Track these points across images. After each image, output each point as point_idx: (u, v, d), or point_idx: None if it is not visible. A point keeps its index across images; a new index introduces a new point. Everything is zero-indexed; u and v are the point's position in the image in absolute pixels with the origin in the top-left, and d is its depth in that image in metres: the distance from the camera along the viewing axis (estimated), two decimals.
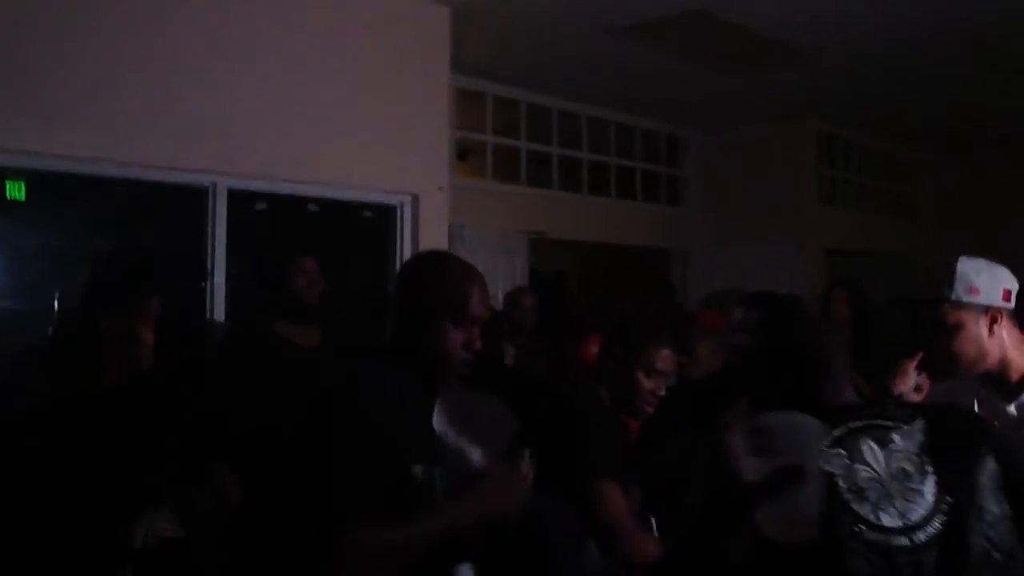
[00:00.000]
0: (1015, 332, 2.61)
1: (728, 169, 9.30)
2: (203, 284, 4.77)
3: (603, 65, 7.04)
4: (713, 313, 5.41)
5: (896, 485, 1.96)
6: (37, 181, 4.32)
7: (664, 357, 3.16)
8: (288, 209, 5.09)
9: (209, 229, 4.76)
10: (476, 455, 2.31)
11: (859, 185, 9.96)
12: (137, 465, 2.67)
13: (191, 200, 4.76)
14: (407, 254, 5.51)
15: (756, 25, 6.06)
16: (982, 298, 2.53)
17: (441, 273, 2.30)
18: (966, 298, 2.56)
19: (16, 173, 4.25)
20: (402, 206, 5.53)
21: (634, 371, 3.13)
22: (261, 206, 4.97)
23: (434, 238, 5.56)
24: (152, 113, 4.44)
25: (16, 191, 4.28)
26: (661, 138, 9.38)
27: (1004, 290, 2.57)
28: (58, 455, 2.55)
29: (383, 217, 5.52)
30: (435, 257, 2.45)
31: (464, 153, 7.74)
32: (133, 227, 4.73)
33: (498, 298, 6.04)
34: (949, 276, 2.57)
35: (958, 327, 2.58)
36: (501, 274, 7.07)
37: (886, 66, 7.00)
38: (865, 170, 10.03)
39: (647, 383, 3.13)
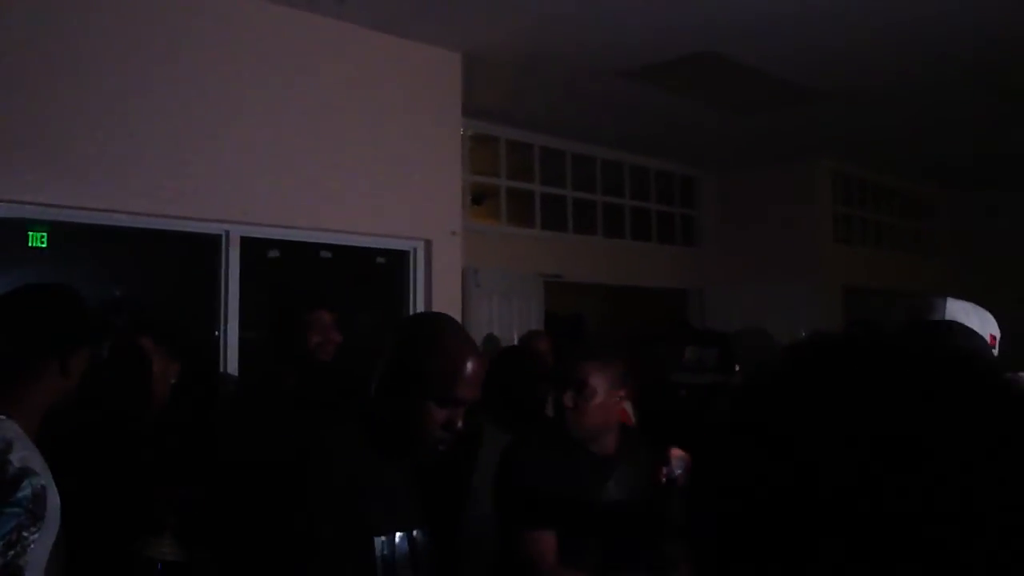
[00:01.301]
0: None
1: (743, 209, 9.30)
2: (216, 331, 4.78)
3: (615, 108, 7.07)
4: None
5: None
6: (58, 231, 4.35)
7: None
8: (301, 256, 5.10)
9: (222, 276, 4.77)
10: None
11: (875, 223, 9.93)
12: (144, 492, 2.69)
13: (205, 248, 4.78)
14: (420, 299, 5.52)
15: (766, 66, 6.07)
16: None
17: (434, 350, 2.19)
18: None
19: (39, 224, 4.28)
20: (415, 251, 5.54)
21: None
22: (274, 253, 4.99)
23: (447, 283, 5.57)
24: (166, 163, 4.49)
25: (39, 240, 4.32)
26: (676, 179, 9.39)
27: (991, 335, 2.50)
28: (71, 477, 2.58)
29: (396, 263, 5.53)
30: (431, 328, 2.30)
31: (479, 197, 7.76)
32: (148, 275, 4.75)
33: (513, 341, 6.02)
34: (931, 310, 2.51)
35: None
36: (516, 317, 7.05)
37: (899, 104, 7.00)
38: (881, 208, 10.01)
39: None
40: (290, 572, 2.06)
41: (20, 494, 1.80)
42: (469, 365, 2.17)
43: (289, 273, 5.04)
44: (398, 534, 2.19)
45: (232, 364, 4.74)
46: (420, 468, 2.29)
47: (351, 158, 5.17)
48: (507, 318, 6.89)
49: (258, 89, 4.85)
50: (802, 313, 8.19)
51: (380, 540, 2.13)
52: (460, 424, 2.19)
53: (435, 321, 2.38)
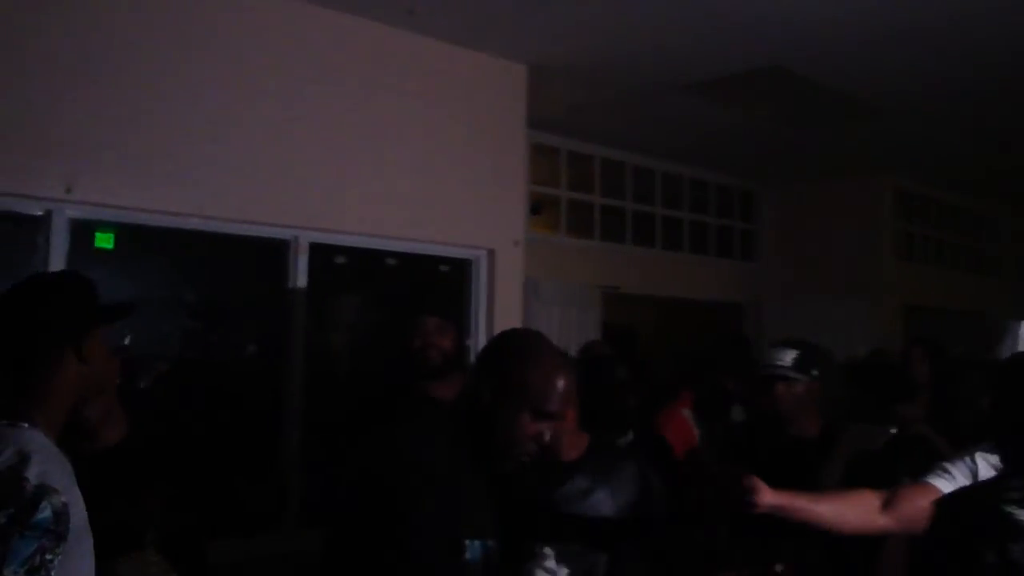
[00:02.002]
0: None
1: (803, 224, 9.24)
2: (284, 335, 4.85)
3: (677, 121, 7.07)
4: None
5: None
6: (125, 233, 4.45)
7: None
8: (367, 262, 5.16)
9: (290, 281, 4.84)
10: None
11: (937, 240, 9.81)
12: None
13: (273, 253, 4.85)
14: (483, 308, 5.56)
15: (831, 80, 6.04)
16: None
17: (529, 364, 2.26)
18: None
19: (107, 225, 4.38)
20: (478, 260, 5.58)
21: None
22: (340, 259, 5.05)
23: (509, 292, 5.60)
24: (238, 168, 4.57)
25: (106, 241, 4.40)
26: (735, 192, 9.36)
27: None
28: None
29: (459, 271, 5.57)
30: (526, 343, 2.38)
31: (537, 207, 7.80)
32: (217, 278, 4.84)
33: (571, 353, 6.03)
34: (1006, 335, 2.57)
35: None
36: (575, 328, 7.06)
37: (963, 120, 6.93)
38: (944, 225, 9.88)
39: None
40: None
41: (40, 516, 1.69)
42: (562, 381, 2.24)
43: (355, 279, 5.11)
44: (476, 541, 2.23)
45: (299, 368, 4.81)
46: (498, 478, 2.33)
47: (417, 167, 5.22)
48: (566, 329, 6.91)
49: (329, 98, 4.92)
50: (860, 330, 8.11)
51: (474, 544, 2.21)
52: (548, 437, 2.24)
53: (530, 337, 2.44)
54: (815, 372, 3.61)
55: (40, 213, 4.16)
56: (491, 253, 5.58)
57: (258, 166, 4.64)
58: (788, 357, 3.60)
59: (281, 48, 4.78)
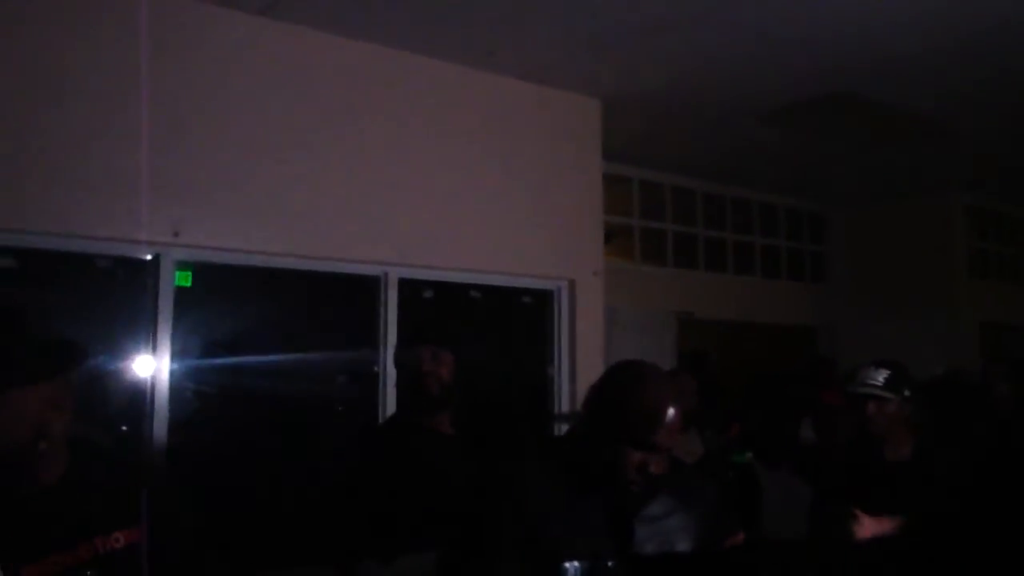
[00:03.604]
0: None
1: (874, 245, 9.23)
2: (375, 368, 5.03)
3: (748, 148, 7.16)
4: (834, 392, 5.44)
5: None
6: (224, 273, 4.65)
7: None
8: (452, 296, 5.33)
9: (381, 315, 5.02)
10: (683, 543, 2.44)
11: (1012, 257, 9.73)
12: None
13: (364, 288, 5.04)
14: (565, 338, 5.68)
15: (899, 102, 6.09)
16: None
17: (637, 396, 2.29)
18: None
19: (191, 265, 4.55)
20: (559, 291, 5.72)
21: None
22: (428, 294, 5.22)
23: (590, 321, 5.73)
24: (333, 211, 4.80)
25: (183, 280, 4.56)
26: (804, 216, 9.39)
27: None
28: None
29: (541, 302, 5.72)
30: (635, 374, 2.39)
31: (610, 235, 7.91)
32: (311, 314, 5.04)
33: None
34: None
35: None
36: (652, 354, 7.14)
37: None
38: (1017, 241, 9.80)
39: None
40: None
41: None
42: (669, 413, 2.25)
43: (442, 312, 5.27)
44: (593, 562, 2.34)
45: (391, 398, 4.97)
46: (619, 503, 2.44)
47: (499, 202, 5.40)
48: (643, 355, 6.97)
49: (411, 138, 5.11)
50: (936, 349, 8.07)
51: (573, 566, 2.28)
52: (655, 470, 2.29)
53: (639, 368, 2.45)
54: (907, 392, 3.65)
55: (149, 257, 4.39)
56: (571, 284, 5.71)
57: (352, 208, 4.85)
58: (880, 376, 3.64)
59: (368, 92, 4.99)
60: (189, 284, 4.56)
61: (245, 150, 4.56)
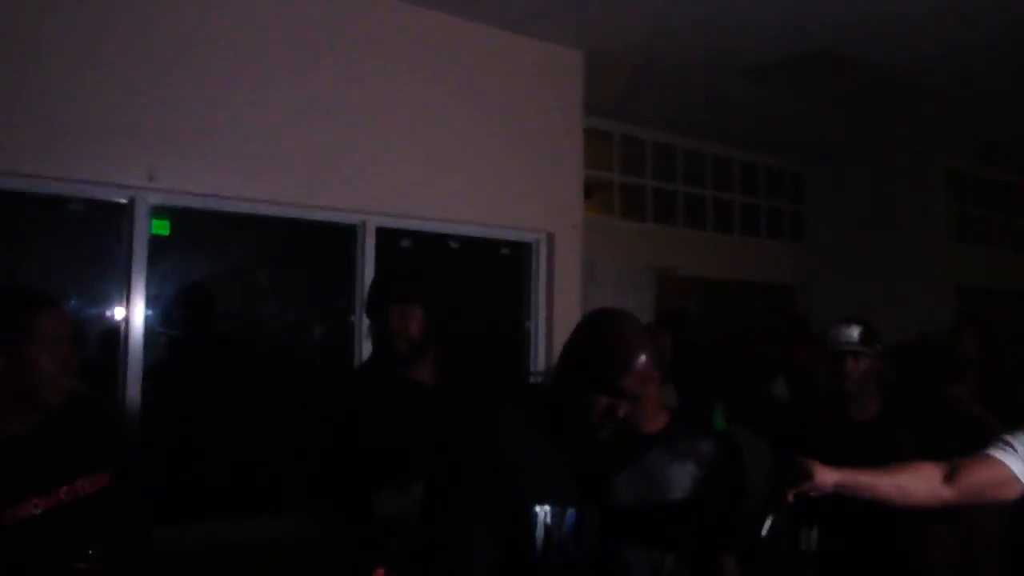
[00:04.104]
0: None
1: (854, 205, 9.24)
2: (351, 319, 5.01)
3: (729, 105, 7.13)
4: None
5: None
6: (198, 219, 4.61)
7: None
8: (431, 246, 5.30)
9: (358, 265, 4.99)
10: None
11: (990, 221, 9.77)
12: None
13: (341, 237, 5.00)
14: (542, 291, 5.67)
15: (882, 62, 6.07)
16: None
17: (607, 340, 2.30)
18: None
19: (168, 212, 4.50)
20: (538, 243, 5.70)
21: None
22: (406, 243, 5.19)
23: (568, 275, 5.72)
24: (310, 157, 4.73)
25: (161, 228, 4.52)
26: (785, 174, 9.39)
27: None
28: None
29: (520, 254, 5.70)
30: (606, 321, 2.41)
31: (589, 191, 7.88)
32: (287, 259, 5.01)
33: None
34: None
35: None
36: (630, 310, 7.14)
37: (1014, 100, 6.92)
38: (996, 205, 9.84)
39: None
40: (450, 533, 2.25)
41: None
42: (640, 359, 2.26)
43: (420, 262, 5.24)
44: (567, 508, 2.34)
45: (366, 350, 4.96)
46: (598, 449, 2.44)
47: (479, 152, 5.35)
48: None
49: (393, 87, 5.05)
50: (912, 311, 8.12)
51: (544, 509, 2.29)
52: (622, 414, 2.29)
53: (612, 314, 2.49)
54: (878, 347, 3.70)
55: (124, 201, 4.33)
56: (550, 236, 5.69)
57: (329, 154, 4.80)
58: (855, 332, 3.69)
59: (347, 39, 4.92)
60: (167, 233, 4.51)
61: (222, 94, 4.49)
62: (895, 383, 4.49)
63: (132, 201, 4.34)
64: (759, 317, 8.86)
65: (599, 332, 2.36)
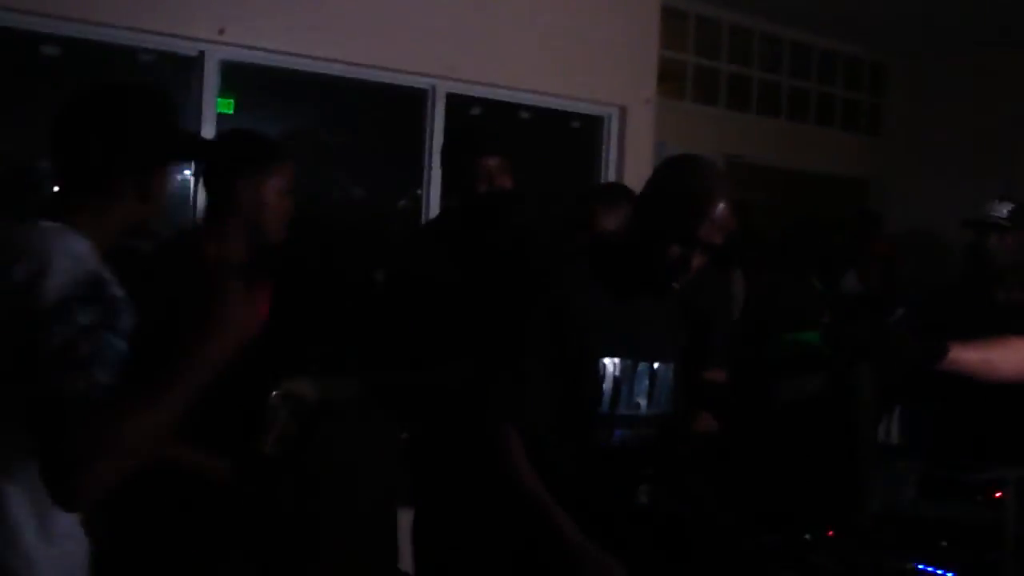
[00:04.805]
0: None
1: (935, 99, 8.89)
2: (419, 189, 4.94)
3: None
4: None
5: None
6: (268, 77, 4.53)
7: None
8: (501, 115, 5.19)
9: (427, 132, 4.90)
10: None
11: None
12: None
13: (410, 102, 4.91)
14: (612, 166, 5.56)
15: None
16: None
17: (685, 184, 2.18)
18: None
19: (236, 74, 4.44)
20: (609, 118, 5.57)
21: None
22: (476, 111, 5.09)
23: (640, 151, 5.61)
24: (381, 17, 4.64)
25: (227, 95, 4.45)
26: (865, 65, 9.07)
27: None
28: None
29: (591, 127, 5.58)
30: (686, 165, 2.31)
31: (662, 77, 7.70)
32: (355, 125, 4.94)
33: None
34: None
35: None
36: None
37: None
38: None
39: None
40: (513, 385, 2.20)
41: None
42: (718, 206, 2.14)
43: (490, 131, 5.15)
44: (639, 362, 2.28)
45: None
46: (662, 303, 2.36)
47: (552, 22, 5.20)
48: None
49: None
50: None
51: (613, 362, 2.23)
52: (697, 265, 2.19)
53: (691, 159, 2.38)
54: None
55: (194, 54, 4.28)
56: (623, 110, 5.57)
57: (401, 15, 4.69)
58: (1004, 209, 3.49)
59: None
60: (231, 111, 4.45)
61: None
62: None
63: (202, 55, 4.28)
64: (831, 211, 8.67)
65: (676, 175, 2.26)
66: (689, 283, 2.70)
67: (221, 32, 4.21)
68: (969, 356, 2.49)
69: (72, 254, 1.59)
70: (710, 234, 2.15)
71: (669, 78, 7.51)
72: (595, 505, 2.20)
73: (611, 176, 5.56)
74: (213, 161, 2.64)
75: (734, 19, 7.86)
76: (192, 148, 2.31)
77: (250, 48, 4.34)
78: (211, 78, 4.31)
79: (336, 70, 4.61)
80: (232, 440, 2.46)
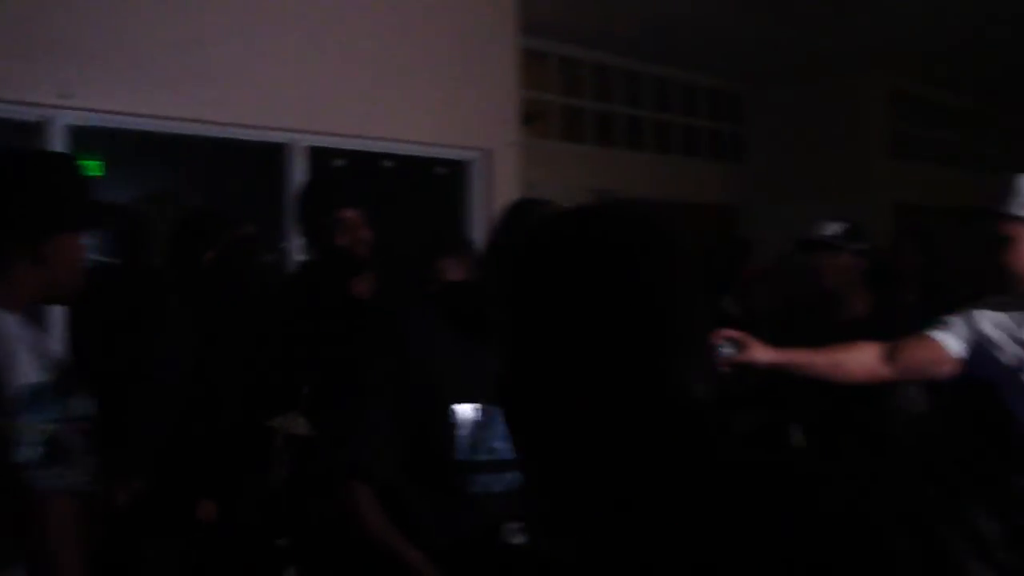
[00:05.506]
0: None
1: (793, 126, 9.21)
2: (283, 243, 4.85)
3: (666, 22, 7.01)
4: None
5: None
6: (119, 140, 4.41)
7: None
8: (364, 165, 5.14)
9: (288, 187, 4.82)
10: None
11: (928, 139, 9.80)
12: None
13: (269, 157, 4.83)
14: (481, 211, 5.56)
15: None
16: None
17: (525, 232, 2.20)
18: (1021, 212, 2.60)
19: (96, 137, 4.31)
20: (474, 162, 5.57)
21: None
22: (339, 162, 5.03)
23: (507, 195, 5.58)
24: (234, 73, 4.53)
25: (95, 169, 4.32)
26: (724, 95, 9.33)
27: None
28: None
29: (457, 173, 5.56)
30: (526, 211, 2.34)
31: (530, 119, 7.77)
32: (219, 182, 4.82)
33: None
34: (1010, 191, 2.63)
35: (1010, 240, 2.61)
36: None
37: (951, 15, 6.89)
38: (936, 124, 9.87)
39: None
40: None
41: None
42: None
43: (354, 183, 5.09)
44: (486, 405, 2.24)
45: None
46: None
47: (412, 69, 5.19)
48: None
49: (321, 3, 4.87)
50: None
51: (468, 409, 2.20)
52: None
53: (531, 203, 2.44)
54: (862, 246, 3.58)
55: (36, 120, 4.12)
56: (487, 154, 5.57)
57: (253, 70, 4.60)
58: (832, 228, 3.58)
59: None
60: (102, 173, 4.31)
61: (139, 10, 4.27)
62: None
63: (45, 121, 4.12)
64: (700, 239, 8.83)
65: (519, 221, 2.26)
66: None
67: (63, 96, 4.06)
68: (819, 360, 2.77)
69: None
70: None
71: (535, 119, 7.60)
72: (463, 551, 2.16)
73: (480, 222, 5.55)
74: None
75: (596, 58, 8.01)
76: (89, 215, 2.18)
77: (98, 111, 4.20)
78: (56, 144, 4.14)
79: (189, 129, 4.50)
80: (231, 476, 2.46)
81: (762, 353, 2.65)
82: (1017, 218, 2.62)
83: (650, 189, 8.45)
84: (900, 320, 3.48)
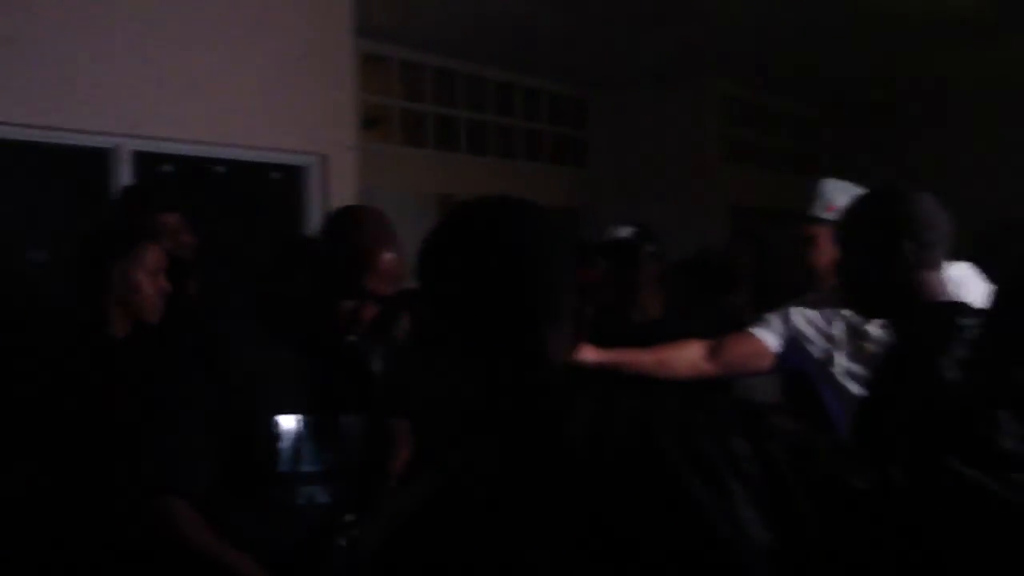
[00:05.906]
0: None
1: (634, 130, 9.40)
2: None
3: (508, 25, 7.06)
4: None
5: None
6: None
7: None
8: (195, 171, 5.00)
9: (113, 193, 4.65)
10: None
11: (762, 145, 10.14)
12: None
13: (96, 162, 4.64)
14: (318, 217, 5.48)
15: None
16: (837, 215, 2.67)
17: (348, 238, 2.14)
18: (823, 214, 2.86)
19: None
20: (310, 167, 5.49)
21: None
22: (167, 168, 4.88)
23: (344, 200, 5.53)
24: (50, 73, 4.34)
25: None
26: (566, 100, 9.46)
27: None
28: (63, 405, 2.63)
29: (293, 177, 5.47)
30: (349, 218, 2.27)
31: (371, 123, 7.72)
32: (32, 191, 4.59)
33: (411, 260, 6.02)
34: (814, 194, 2.83)
35: (813, 240, 2.84)
36: (412, 236, 7.04)
37: (781, 23, 7.15)
38: (768, 129, 10.22)
39: None
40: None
41: None
42: (384, 256, 2.11)
43: (184, 189, 4.94)
44: (309, 417, 2.21)
45: None
46: (339, 357, 2.31)
47: (244, 71, 5.07)
48: (404, 238, 6.88)
49: (147, 3, 4.71)
50: (691, 231, 8.37)
51: (291, 419, 2.17)
52: (368, 317, 2.16)
53: (354, 211, 2.35)
54: (653, 248, 3.70)
55: None
56: (324, 159, 5.49)
57: (78, 73, 4.42)
58: (624, 231, 3.69)
59: None
60: None
61: None
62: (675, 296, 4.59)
63: None
64: None
65: (340, 229, 2.21)
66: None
67: None
68: (646, 359, 2.91)
69: None
70: (377, 286, 2.12)
71: (377, 123, 7.55)
72: (288, 561, 2.12)
73: (317, 227, 5.46)
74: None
75: (438, 62, 8.01)
76: None
77: None
78: None
79: (9, 133, 4.28)
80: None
81: (590, 353, 2.71)
82: (819, 220, 2.80)
83: (493, 193, 8.49)
84: (694, 321, 3.68)
